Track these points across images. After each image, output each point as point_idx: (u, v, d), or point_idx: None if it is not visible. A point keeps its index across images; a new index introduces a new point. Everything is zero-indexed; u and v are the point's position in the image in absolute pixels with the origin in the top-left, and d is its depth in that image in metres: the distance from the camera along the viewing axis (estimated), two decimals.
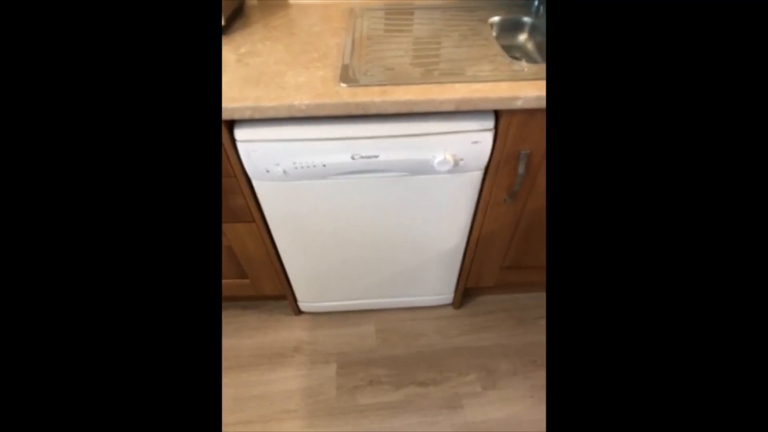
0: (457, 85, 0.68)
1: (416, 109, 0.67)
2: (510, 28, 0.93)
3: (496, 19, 0.91)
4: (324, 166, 0.75)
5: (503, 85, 0.68)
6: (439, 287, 1.17)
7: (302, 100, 0.66)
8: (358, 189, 0.82)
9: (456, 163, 0.76)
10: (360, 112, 0.67)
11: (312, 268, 1.04)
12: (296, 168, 0.75)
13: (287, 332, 1.21)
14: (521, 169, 0.79)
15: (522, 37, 0.94)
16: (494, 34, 0.91)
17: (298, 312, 1.24)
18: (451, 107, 0.67)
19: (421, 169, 0.78)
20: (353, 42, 0.83)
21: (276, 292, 1.14)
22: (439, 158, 0.74)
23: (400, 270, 1.07)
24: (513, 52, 0.94)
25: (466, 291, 1.23)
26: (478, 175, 0.82)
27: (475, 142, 0.74)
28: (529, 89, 0.66)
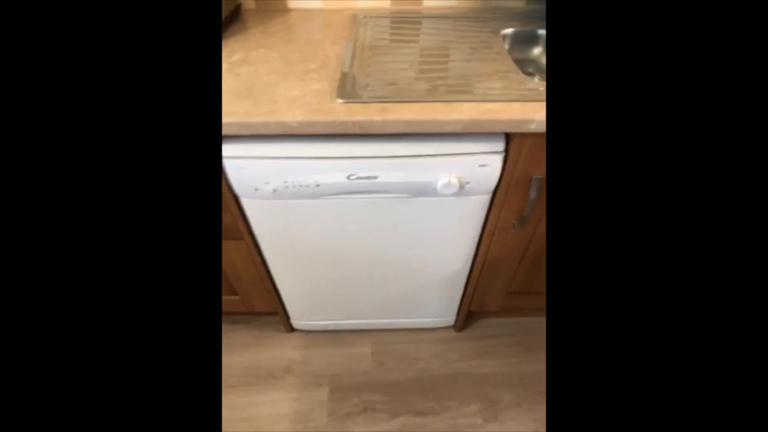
0: (465, 105, 0.62)
1: (419, 129, 0.61)
2: (524, 41, 0.86)
3: (509, 31, 0.85)
4: (317, 186, 0.70)
5: (515, 105, 0.61)
6: (440, 310, 1.11)
7: (294, 117, 0.60)
8: (355, 210, 0.76)
9: (461, 187, 0.70)
10: (357, 131, 0.61)
11: (305, 287, 0.99)
12: (287, 187, 0.70)
13: (278, 351, 1.15)
14: (533, 194, 0.73)
15: (536, 51, 0.88)
16: (507, 47, 0.85)
17: (291, 329, 1.19)
18: (457, 129, 0.61)
19: (424, 191, 0.72)
20: (353, 52, 0.77)
21: (267, 309, 1.08)
22: (443, 181, 0.68)
23: (398, 292, 1.01)
24: (527, 66, 0.88)
25: (469, 313, 1.16)
26: (485, 198, 0.76)
27: (482, 165, 0.68)
28: (544, 111, 0.60)
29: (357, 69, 0.72)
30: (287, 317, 1.13)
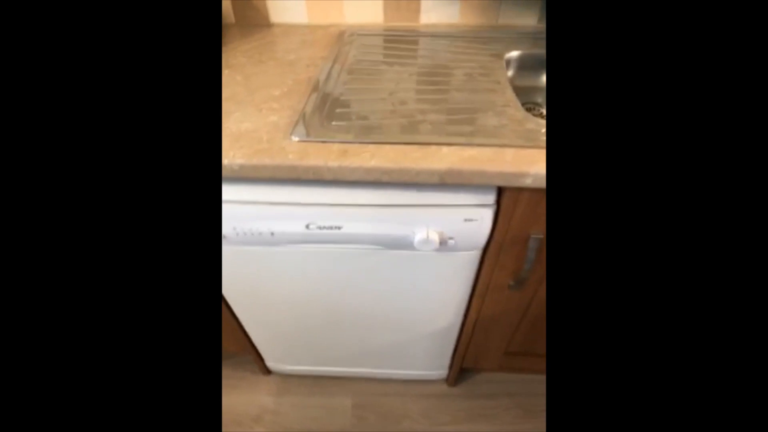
0: (444, 149, 0.50)
1: (386, 179, 0.50)
2: (533, 65, 0.74)
3: (514, 54, 0.73)
4: (272, 234, 0.59)
5: (509, 152, 0.49)
6: (430, 364, 0.98)
7: (235, 159, 0.50)
8: (321, 259, 0.65)
9: (443, 242, 0.58)
10: (310, 177, 0.50)
11: (276, 333, 0.88)
12: (238, 234, 0.59)
13: (249, 396, 1.05)
14: (531, 254, 0.60)
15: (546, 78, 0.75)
16: (510, 73, 0.73)
17: (267, 372, 1.08)
18: (432, 180, 0.49)
19: (398, 245, 0.60)
20: (328, 76, 0.66)
21: (239, 350, 0.98)
22: (420, 236, 0.56)
23: (381, 343, 0.89)
24: (535, 96, 0.75)
25: (464, 368, 1.02)
26: (473, 254, 0.63)
27: (469, 219, 0.56)
28: (542, 162, 0.47)
29: (326, 98, 0.61)
30: (261, 359, 1.03)
